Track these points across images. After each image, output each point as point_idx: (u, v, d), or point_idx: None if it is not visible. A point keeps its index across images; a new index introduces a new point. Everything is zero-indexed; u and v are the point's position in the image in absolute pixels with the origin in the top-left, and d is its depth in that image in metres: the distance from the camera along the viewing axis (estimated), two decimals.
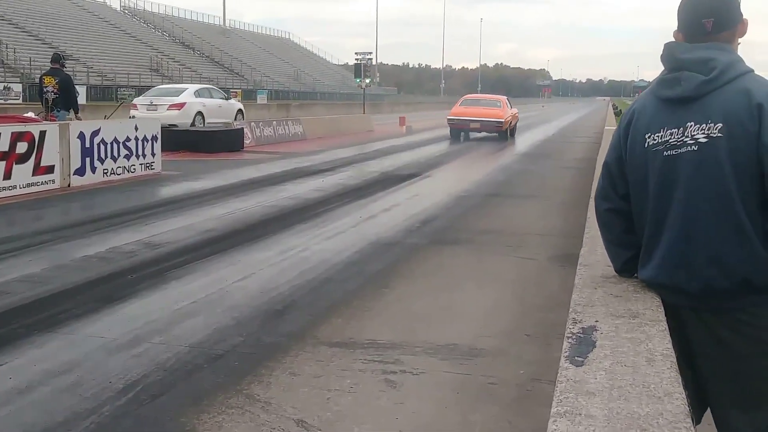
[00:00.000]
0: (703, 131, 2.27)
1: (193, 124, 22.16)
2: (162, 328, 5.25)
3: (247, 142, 21.40)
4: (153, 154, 14.37)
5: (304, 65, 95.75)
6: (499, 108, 25.98)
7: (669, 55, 2.38)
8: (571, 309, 2.46)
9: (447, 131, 27.32)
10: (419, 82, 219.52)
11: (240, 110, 26.20)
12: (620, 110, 58.07)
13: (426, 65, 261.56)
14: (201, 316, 5.55)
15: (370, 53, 43.16)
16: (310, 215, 10.15)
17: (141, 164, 14.05)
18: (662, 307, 2.42)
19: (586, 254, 3.26)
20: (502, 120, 25.29)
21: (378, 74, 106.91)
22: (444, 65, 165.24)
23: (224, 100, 25.39)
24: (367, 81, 40.87)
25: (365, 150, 22.38)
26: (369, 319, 5.55)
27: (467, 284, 6.70)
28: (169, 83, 41.69)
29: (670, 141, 2.33)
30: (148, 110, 22.08)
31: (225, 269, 6.98)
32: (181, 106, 22.43)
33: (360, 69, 40.51)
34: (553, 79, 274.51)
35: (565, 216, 10.54)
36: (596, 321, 2.29)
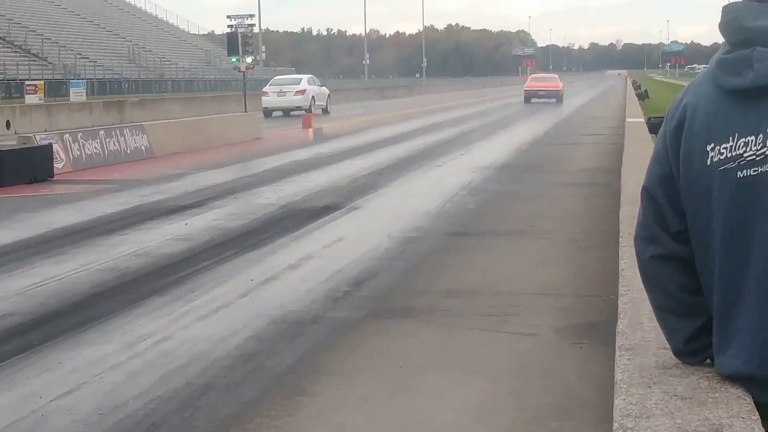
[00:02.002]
0: None
1: (309, 109, 43.58)
2: None
3: (59, 166, 21.07)
4: None
5: (144, 38, 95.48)
6: (556, 81, 63.38)
7: (731, 22, 2.44)
8: (615, 424, 2.47)
9: (383, 133, 32.27)
10: (329, 59, 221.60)
11: (329, 95, 49.85)
12: (645, 90, 59.77)
13: (338, 31, 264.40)
14: None
15: (252, 16, 43.33)
16: (170, 281, 10.05)
17: None
18: (756, 413, 2.45)
19: (628, 330, 3.31)
20: (560, 89, 61.33)
21: (264, 48, 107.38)
22: (368, 30, 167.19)
23: (320, 87, 49.00)
24: (249, 60, 40.94)
25: (252, 170, 22.27)
26: None
27: (432, 380, 6.67)
28: None
29: (746, 155, 2.38)
30: (278, 96, 45.29)
31: (37, 379, 6.83)
32: (303, 92, 45.84)
33: (236, 41, 40.58)
34: (538, 45, 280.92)
35: (577, 262, 10.69)
36: None
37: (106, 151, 23.77)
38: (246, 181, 19.60)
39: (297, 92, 46.45)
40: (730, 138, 2.39)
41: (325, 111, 48.74)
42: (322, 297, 9.22)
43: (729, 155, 2.39)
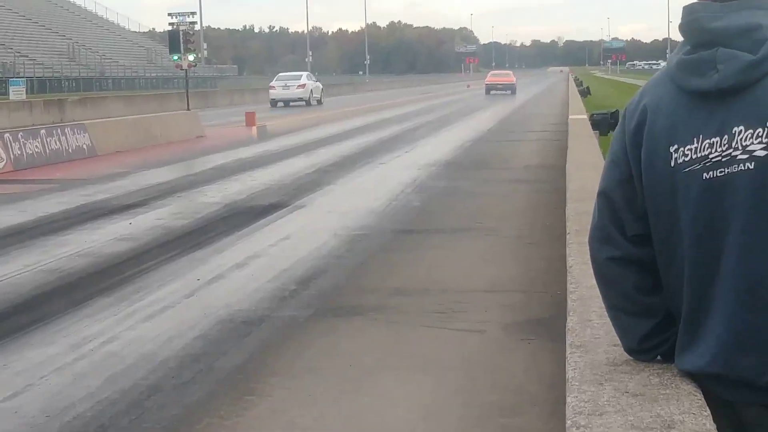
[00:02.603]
0: (759, 139, 2.34)
1: (308, 101, 52.87)
2: None
3: None
4: None
5: (84, 35, 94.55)
6: (511, 76, 77.31)
7: (692, 23, 2.44)
8: (568, 422, 2.49)
9: (327, 130, 33.01)
10: (272, 56, 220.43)
11: (322, 89, 58.34)
12: (587, 87, 60.21)
13: (281, 29, 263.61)
14: None
15: (193, 13, 42.96)
16: (114, 282, 9.98)
17: None
18: (707, 408, 2.48)
19: (578, 327, 3.33)
20: (514, 83, 73.82)
21: (206, 46, 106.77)
22: (310, 28, 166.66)
23: (315, 82, 57.82)
24: (191, 58, 40.67)
25: (196, 168, 22.16)
26: None
27: (382, 378, 6.70)
28: None
29: (711, 156, 2.39)
30: (283, 89, 52.64)
31: None
32: (303, 86, 53.25)
33: (178, 39, 40.23)
34: (481, 42, 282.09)
35: (524, 258, 10.76)
36: None
37: (47, 151, 23.52)
38: (190, 180, 19.49)
39: (298, 86, 55.63)
40: (695, 139, 2.39)
41: (320, 102, 57.39)
42: (270, 296, 9.21)
43: (694, 157, 2.39)
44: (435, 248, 11.58)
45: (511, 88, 72.75)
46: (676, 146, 2.43)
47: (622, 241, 2.60)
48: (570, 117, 22.22)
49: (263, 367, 7.07)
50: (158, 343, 7.69)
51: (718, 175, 2.38)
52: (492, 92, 71.66)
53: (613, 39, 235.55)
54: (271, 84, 57.95)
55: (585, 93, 52.63)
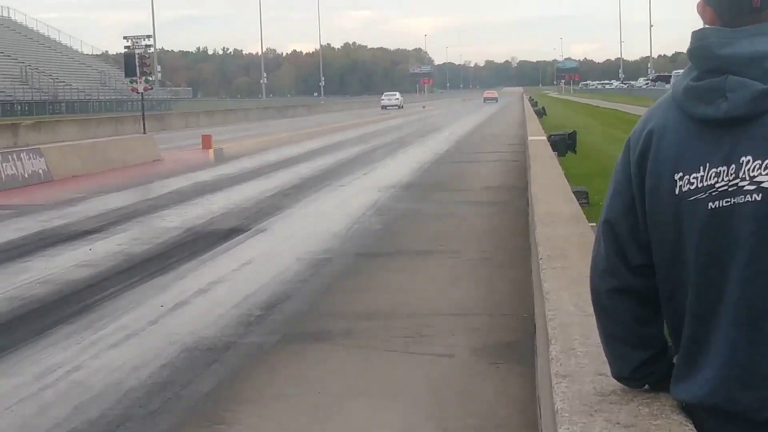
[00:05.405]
0: None
1: (401, 106, 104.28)
2: None
3: None
4: None
5: (37, 59, 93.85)
6: (496, 93, 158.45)
7: (702, 49, 2.40)
8: None
9: (285, 153, 33.76)
10: (226, 78, 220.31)
11: (403, 100, 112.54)
12: (543, 107, 60.58)
13: (235, 50, 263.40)
14: None
15: (149, 36, 42.89)
16: (77, 309, 9.88)
17: None
18: None
19: (561, 356, 3.32)
20: (497, 96, 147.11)
21: (160, 68, 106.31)
22: (265, 50, 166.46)
23: (402, 96, 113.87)
24: (146, 81, 40.54)
25: (154, 192, 22.00)
26: None
27: (352, 405, 6.67)
28: None
29: (717, 186, 2.36)
30: (389, 100, 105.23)
31: None
32: (398, 99, 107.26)
33: (133, 62, 40.13)
34: (435, 63, 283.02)
35: (488, 281, 10.77)
36: None
37: (3, 176, 23.28)
38: (149, 204, 19.34)
39: (396, 99, 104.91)
40: (701, 168, 2.37)
41: (400, 107, 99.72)
42: (235, 322, 9.14)
43: (700, 185, 2.37)
44: (399, 271, 11.57)
45: (496, 99, 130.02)
46: (681, 174, 2.40)
47: (625, 272, 2.57)
48: (529, 138, 22.29)
49: (232, 395, 7.00)
50: (124, 371, 7.61)
51: (724, 205, 2.35)
52: (486, 101, 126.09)
53: (566, 59, 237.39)
54: (381, 98, 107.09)
55: (540, 113, 52.96)
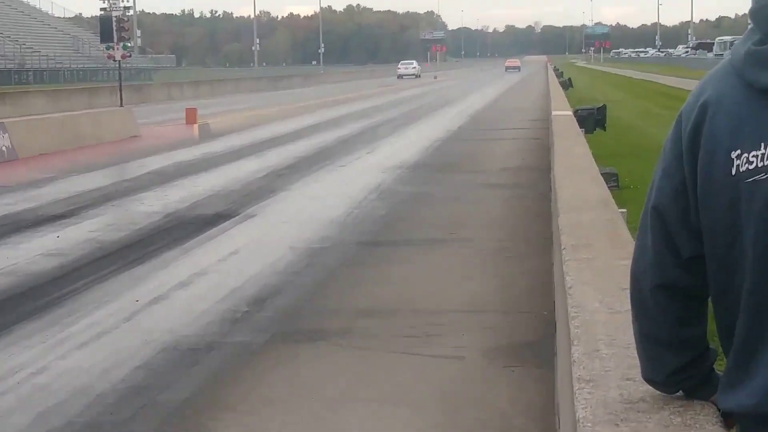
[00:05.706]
0: None
1: (418, 75, 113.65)
2: None
3: None
4: None
5: (2, 22, 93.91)
6: (518, 62, 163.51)
7: (766, 8, 2.38)
8: None
9: (279, 129, 33.87)
10: (214, 45, 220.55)
11: (420, 69, 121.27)
12: (569, 79, 60.54)
13: (225, 13, 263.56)
14: None
15: None
16: (42, 304, 9.87)
17: None
18: None
19: (584, 359, 3.29)
20: (520, 65, 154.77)
21: (140, 33, 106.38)
22: (258, 12, 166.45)
23: (419, 65, 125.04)
24: (124, 47, 40.53)
25: (131, 173, 22.00)
26: None
27: (349, 412, 6.66)
28: None
29: None
30: (406, 69, 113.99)
31: None
32: (415, 67, 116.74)
33: (110, 26, 40.14)
34: (449, 28, 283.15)
35: (505, 274, 10.75)
36: None
37: None
38: (125, 186, 19.32)
39: (413, 68, 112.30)
40: (762, 144, 2.32)
41: (417, 76, 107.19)
42: (219, 319, 9.12)
43: (759, 165, 2.32)
44: (404, 263, 11.55)
45: (519, 68, 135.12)
46: (738, 151, 2.35)
47: (674, 266, 2.51)
48: (553, 113, 22.25)
49: (214, 401, 7.01)
50: (94, 374, 7.59)
51: None
52: (508, 70, 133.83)
53: (596, 24, 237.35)
54: (398, 66, 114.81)
55: (566, 85, 52.95)
